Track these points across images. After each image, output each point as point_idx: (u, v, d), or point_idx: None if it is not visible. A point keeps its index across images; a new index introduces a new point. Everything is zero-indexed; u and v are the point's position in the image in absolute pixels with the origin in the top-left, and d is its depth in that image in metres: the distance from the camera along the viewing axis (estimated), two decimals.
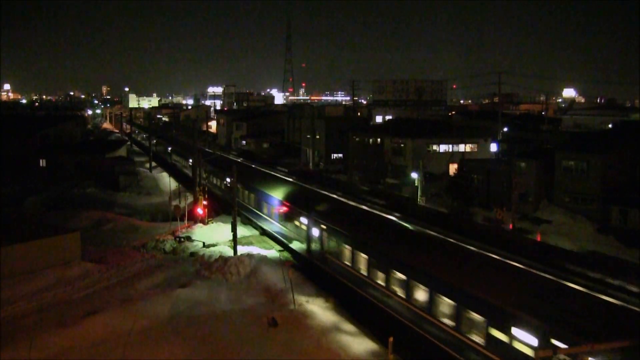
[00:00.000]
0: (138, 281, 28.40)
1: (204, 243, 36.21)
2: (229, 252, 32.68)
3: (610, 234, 37.76)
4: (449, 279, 17.72)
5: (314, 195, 32.37)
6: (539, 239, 32.45)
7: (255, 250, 33.58)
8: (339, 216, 26.21)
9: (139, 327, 21.64)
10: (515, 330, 14.59)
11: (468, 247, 19.17)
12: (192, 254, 33.93)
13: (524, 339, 14.25)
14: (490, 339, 15.45)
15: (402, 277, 19.86)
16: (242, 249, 33.20)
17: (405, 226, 23.16)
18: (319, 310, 23.69)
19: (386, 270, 20.90)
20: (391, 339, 17.79)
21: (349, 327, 22.19)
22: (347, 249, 23.75)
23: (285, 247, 33.32)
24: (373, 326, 21.93)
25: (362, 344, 20.56)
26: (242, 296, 25.78)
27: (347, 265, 23.66)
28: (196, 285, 27.23)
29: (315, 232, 26.98)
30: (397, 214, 25.00)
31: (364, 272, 22.45)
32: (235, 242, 32.86)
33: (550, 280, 15.45)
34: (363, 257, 22.46)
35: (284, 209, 33.27)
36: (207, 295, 25.90)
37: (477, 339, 16.02)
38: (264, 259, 31.37)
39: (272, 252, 33.50)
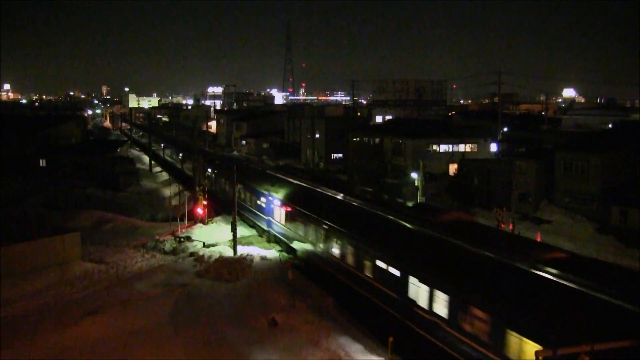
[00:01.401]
0: (138, 281, 28.39)
1: (204, 243, 36.20)
2: (229, 252, 32.69)
3: (610, 234, 37.76)
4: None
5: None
6: (539, 239, 32.42)
7: (255, 250, 33.61)
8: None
9: (139, 327, 21.66)
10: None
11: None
12: (192, 254, 33.91)
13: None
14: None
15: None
16: (242, 249, 33.21)
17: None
18: (319, 310, 23.69)
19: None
20: (391, 339, 17.80)
21: (348, 327, 22.19)
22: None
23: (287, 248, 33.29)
24: (373, 326, 21.95)
25: (361, 344, 20.56)
26: (242, 296, 25.77)
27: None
28: (196, 285, 27.25)
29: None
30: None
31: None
32: (235, 242, 32.88)
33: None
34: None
35: None
36: (207, 295, 25.90)
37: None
38: (264, 259, 31.41)
39: (272, 252, 33.52)
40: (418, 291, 19.46)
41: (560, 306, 14.78)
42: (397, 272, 20.87)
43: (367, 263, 23.20)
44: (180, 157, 74.09)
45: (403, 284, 20.36)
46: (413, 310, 19.72)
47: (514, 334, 14.82)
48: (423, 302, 19.08)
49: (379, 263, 22.20)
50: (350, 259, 24.78)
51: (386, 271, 21.59)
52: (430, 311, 18.72)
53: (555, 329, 13.91)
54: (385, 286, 21.72)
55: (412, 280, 19.87)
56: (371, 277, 22.82)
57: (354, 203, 29.61)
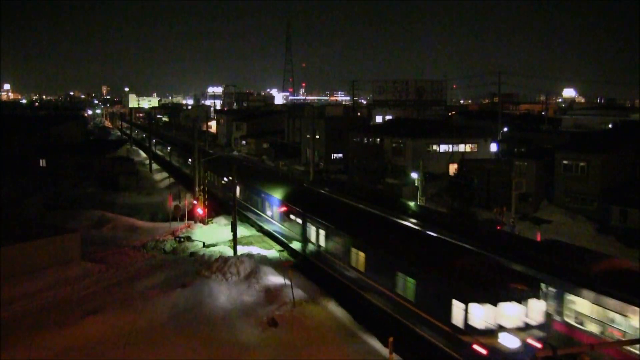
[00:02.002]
0: (138, 281, 28.39)
1: (204, 243, 36.22)
2: (229, 252, 32.68)
3: (610, 234, 37.76)
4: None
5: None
6: (539, 239, 32.41)
7: (255, 250, 33.61)
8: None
9: (139, 327, 21.66)
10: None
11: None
12: (192, 254, 33.93)
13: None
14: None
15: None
16: (242, 249, 33.21)
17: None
18: (319, 310, 23.69)
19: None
20: (391, 339, 17.82)
21: (348, 327, 22.20)
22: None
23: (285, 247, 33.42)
24: (373, 326, 21.96)
25: (361, 344, 20.57)
26: (242, 296, 25.78)
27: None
28: (196, 285, 27.23)
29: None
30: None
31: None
32: (235, 242, 32.86)
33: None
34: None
35: None
36: (207, 295, 25.89)
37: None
38: (264, 259, 31.41)
39: (272, 252, 33.53)
40: (311, 232, 28.84)
41: (377, 231, 24.50)
42: (300, 220, 30.12)
43: (285, 217, 32.46)
44: (169, 151, 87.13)
45: (304, 228, 29.70)
46: (309, 245, 29.22)
47: (355, 250, 23.97)
48: (313, 239, 28.61)
49: (292, 217, 31.33)
50: (272, 214, 34.71)
51: (295, 221, 30.89)
52: (317, 244, 28.14)
53: (372, 243, 23.11)
54: (294, 232, 31.26)
55: (307, 225, 29.27)
56: (286, 226, 32.41)
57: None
